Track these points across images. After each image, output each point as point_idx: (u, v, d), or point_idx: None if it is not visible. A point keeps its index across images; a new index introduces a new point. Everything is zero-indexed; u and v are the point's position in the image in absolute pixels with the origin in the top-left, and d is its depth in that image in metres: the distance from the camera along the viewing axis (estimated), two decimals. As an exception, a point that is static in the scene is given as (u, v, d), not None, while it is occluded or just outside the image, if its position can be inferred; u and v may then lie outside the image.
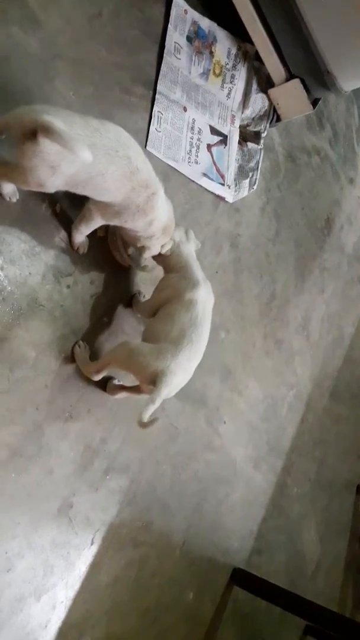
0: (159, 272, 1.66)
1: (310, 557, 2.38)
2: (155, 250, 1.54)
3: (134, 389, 1.56)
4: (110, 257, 1.61)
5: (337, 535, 2.55)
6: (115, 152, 1.29)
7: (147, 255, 1.54)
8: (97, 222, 1.47)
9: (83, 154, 1.15)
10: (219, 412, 1.96)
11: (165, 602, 1.76)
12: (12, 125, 1.19)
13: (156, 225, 1.48)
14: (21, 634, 1.42)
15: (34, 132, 1.15)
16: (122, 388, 1.58)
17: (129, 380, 1.55)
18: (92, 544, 1.57)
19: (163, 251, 1.56)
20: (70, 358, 1.51)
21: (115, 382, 1.60)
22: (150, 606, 1.72)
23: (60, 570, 1.50)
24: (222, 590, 1.96)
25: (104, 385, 1.58)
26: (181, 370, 1.41)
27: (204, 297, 1.54)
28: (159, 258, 1.61)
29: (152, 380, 1.38)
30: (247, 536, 2.08)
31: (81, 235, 1.50)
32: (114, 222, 1.47)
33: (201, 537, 1.89)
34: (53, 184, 1.26)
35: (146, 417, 1.32)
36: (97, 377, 1.52)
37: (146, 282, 1.71)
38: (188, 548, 1.84)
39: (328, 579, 2.46)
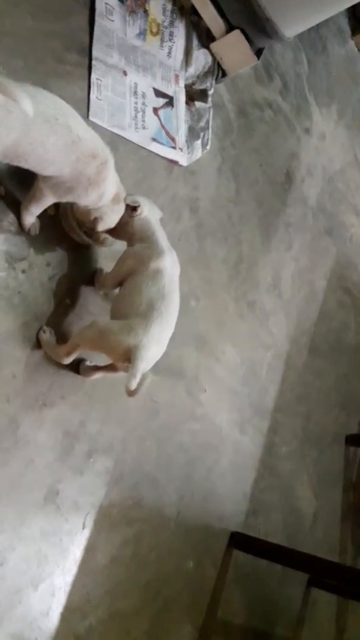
0: (119, 246, 1.61)
1: (306, 511, 2.41)
2: (109, 222, 1.49)
3: (109, 368, 1.52)
4: (64, 236, 1.55)
5: (330, 487, 2.59)
6: (55, 120, 1.23)
7: (101, 227, 1.49)
8: (48, 201, 1.41)
9: (26, 104, 1.10)
10: (199, 382, 1.94)
11: (166, 575, 1.77)
12: None
13: (107, 197, 1.43)
14: (23, 624, 1.41)
15: None
16: (96, 369, 1.55)
17: (102, 359, 1.51)
18: (84, 527, 1.55)
19: (133, 217, 1.51)
20: (37, 345, 1.46)
21: (88, 363, 1.56)
22: (151, 580, 1.72)
23: (54, 558, 1.48)
24: (221, 556, 1.97)
25: (76, 368, 1.54)
26: (154, 344, 1.38)
27: (170, 266, 1.50)
28: (120, 231, 1.55)
29: (126, 358, 1.34)
30: (240, 499, 2.09)
31: (31, 216, 1.44)
32: (66, 199, 1.41)
33: (195, 507, 1.89)
34: None
35: (133, 385, 1.29)
36: (68, 361, 1.48)
37: (107, 258, 1.66)
38: (182, 519, 1.84)
39: (326, 531, 2.50)
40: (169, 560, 1.79)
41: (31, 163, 1.28)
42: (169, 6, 1.97)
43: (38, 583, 1.44)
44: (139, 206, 1.51)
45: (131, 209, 1.51)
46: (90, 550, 1.56)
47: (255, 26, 2.01)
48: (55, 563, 1.48)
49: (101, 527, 1.58)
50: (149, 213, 1.55)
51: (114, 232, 1.55)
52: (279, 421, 2.27)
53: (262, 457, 2.17)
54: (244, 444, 2.11)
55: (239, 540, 2.01)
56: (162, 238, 1.54)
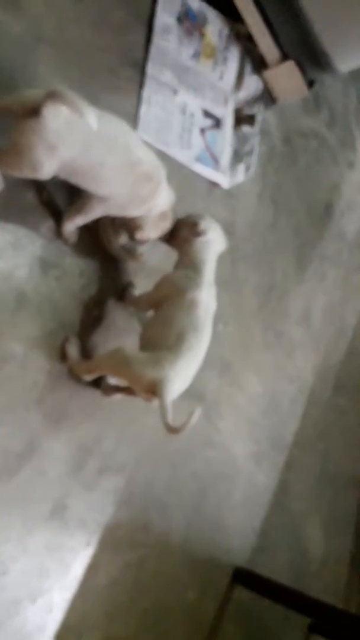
0: (153, 263, 1.60)
1: (315, 553, 2.33)
2: (148, 234, 1.47)
3: (130, 390, 1.47)
4: (100, 248, 1.55)
5: (342, 531, 2.50)
6: (115, 140, 1.24)
7: (139, 236, 1.47)
8: (96, 214, 1.41)
9: (91, 119, 1.11)
10: (218, 408, 1.90)
11: (166, 603, 1.72)
12: (11, 104, 1.15)
13: (154, 211, 1.42)
14: (18, 637, 1.38)
15: (35, 110, 1.11)
16: (117, 389, 1.51)
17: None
18: (88, 545, 1.51)
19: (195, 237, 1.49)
20: (61, 354, 1.45)
21: (110, 382, 1.53)
22: (150, 607, 1.67)
23: (56, 573, 1.45)
24: (224, 590, 1.91)
25: (98, 382, 1.52)
26: (179, 378, 1.33)
27: (207, 301, 1.44)
28: (179, 244, 1.52)
29: (149, 390, 1.30)
30: (249, 534, 2.03)
31: (74, 226, 1.43)
32: (114, 214, 1.41)
33: (202, 536, 1.84)
34: (49, 168, 1.19)
35: (169, 419, 1.25)
36: (89, 378, 1.46)
37: (139, 275, 1.65)
38: (188, 548, 1.79)
39: (333, 576, 2.41)
40: (171, 589, 1.73)
41: (87, 181, 1.28)
42: (225, 31, 1.98)
43: (37, 597, 1.41)
44: (201, 229, 1.48)
45: (195, 230, 1.49)
46: (92, 569, 1.52)
47: (310, 58, 2.01)
48: (56, 578, 1.45)
49: (105, 547, 1.54)
50: (213, 241, 1.52)
51: (173, 241, 1.54)
52: (296, 457, 2.21)
53: (275, 493, 2.11)
54: (258, 477, 2.06)
55: (243, 576, 1.94)
56: (209, 271, 1.48)
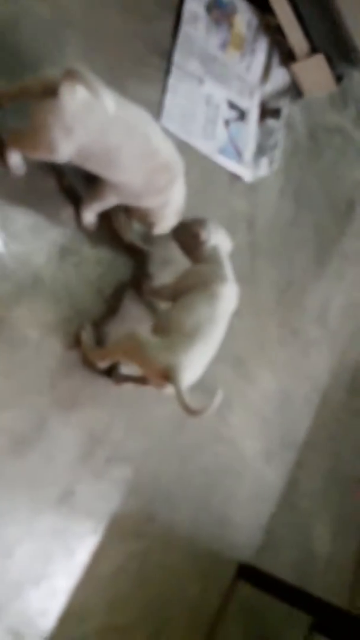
0: (170, 253, 1.59)
1: (320, 554, 2.31)
2: (166, 228, 1.47)
3: (142, 380, 1.48)
4: (119, 237, 1.54)
5: (349, 532, 2.48)
6: (134, 128, 1.23)
7: (157, 231, 1.48)
8: (111, 202, 1.40)
9: (107, 102, 1.10)
10: (230, 403, 1.89)
11: (169, 595, 1.72)
12: (31, 85, 1.15)
13: (172, 206, 1.42)
14: (20, 620, 1.39)
15: (53, 91, 1.10)
16: (128, 378, 1.51)
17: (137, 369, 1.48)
18: (94, 533, 1.52)
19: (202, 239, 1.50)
20: (75, 341, 1.45)
21: (121, 371, 1.53)
22: (152, 598, 1.67)
23: (60, 558, 1.46)
24: (227, 585, 1.90)
25: (110, 372, 1.51)
26: (193, 366, 1.33)
27: (229, 296, 1.45)
28: (191, 250, 1.53)
29: (161, 375, 1.30)
30: (255, 531, 2.02)
31: (92, 213, 1.43)
32: (129, 202, 1.41)
33: (208, 531, 1.84)
34: (65, 150, 1.18)
35: (187, 401, 1.25)
36: (103, 365, 1.46)
37: (157, 265, 1.64)
38: (194, 541, 1.78)
39: (338, 576, 2.39)
40: (174, 581, 1.73)
41: (103, 167, 1.27)
42: (255, 22, 1.95)
43: (40, 581, 1.42)
44: (201, 235, 1.49)
45: (199, 240, 1.49)
46: (97, 557, 1.53)
47: (340, 52, 1.97)
48: (60, 564, 1.46)
49: (111, 536, 1.55)
50: (219, 244, 1.52)
51: (185, 247, 1.54)
52: (306, 456, 2.19)
53: (283, 491, 2.09)
54: (267, 474, 2.04)
55: (248, 572, 1.93)
56: (228, 268, 1.49)
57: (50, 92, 1.11)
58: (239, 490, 1.94)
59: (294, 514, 2.17)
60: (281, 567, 2.08)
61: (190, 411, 1.25)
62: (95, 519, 1.52)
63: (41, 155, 1.22)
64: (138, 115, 1.26)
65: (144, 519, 1.63)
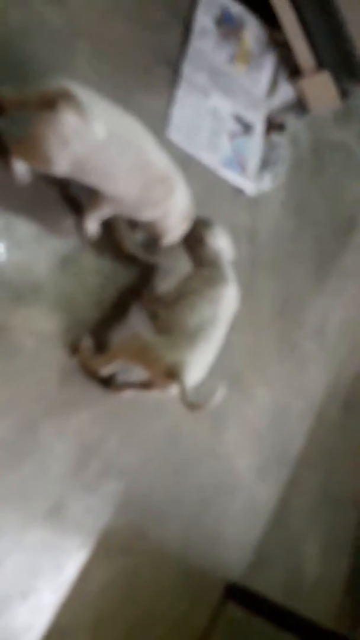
0: (167, 265, 1.58)
1: (310, 573, 2.29)
2: (173, 239, 1.47)
3: (142, 385, 1.47)
4: (120, 248, 1.53)
5: (339, 552, 2.46)
6: (128, 143, 1.24)
7: (166, 242, 1.48)
8: (109, 213, 1.40)
9: (97, 128, 1.12)
10: (225, 417, 1.87)
11: (156, 613, 1.69)
12: (31, 96, 1.16)
13: (175, 217, 1.42)
14: (4, 635, 1.36)
15: (51, 103, 1.12)
16: (128, 385, 1.49)
17: (136, 375, 1.47)
18: (83, 547, 1.49)
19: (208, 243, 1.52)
20: (73, 350, 1.43)
21: (120, 379, 1.51)
22: (139, 616, 1.64)
23: (48, 573, 1.42)
24: (216, 604, 1.87)
25: (106, 383, 1.49)
26: (196, 364, 1.34)
27: (231, 299, 1.47)
28: (195, 249, 1.54)
29: (168, 374, 1.30)
30: (246, 549, 1.99)
31: (93, 223, 1.43)
32: (126, 214, 1.41)
33: (198, 548, 1.81)
34: (60, 162, 1.19)
35: (187, 396, 1.26)
36: (105, 372, 1.44)
37: (157, 275, 1.63)
38: (183, 558, 1.76)
39: (326, 598, 2.36)
40: (162, 599, 1.70)
41: (98, 180, 1.27)
42: (263, 37, 1.95)
43: (27, 595, 1.39)
44: (205, 237, 1.51)
45: (200, 237, 1.51)
46: (85, 572, 1.50)
47: (346, 70, 1.98)
48: (48, 578, 1.43)
49: (100, 551, 1.52)
50: (222, 249, 1.53)
51: (189, 246, 1.54)
52: (299, 474, 2.17)
53: (275, 509, 2.07)
54: (260, 491, 2.02)
55: (236, 592, 1.91)
56: (230, 271, 1.52)
57: (49, 104, 1.12)
58: (231, 507, 1.92)
59: (284, 533, 2.15)
60: (270, 586, 2.06)
61: (192, 406, 1.26)
62: (85, 534, 1.49)
63: (38, 166, 1.23)
64: (132, 128, 1.27)
65: (134, 534, 1.60)
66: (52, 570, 1.43)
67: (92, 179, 1.27)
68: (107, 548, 1.53)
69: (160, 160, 1.33)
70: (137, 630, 1.63)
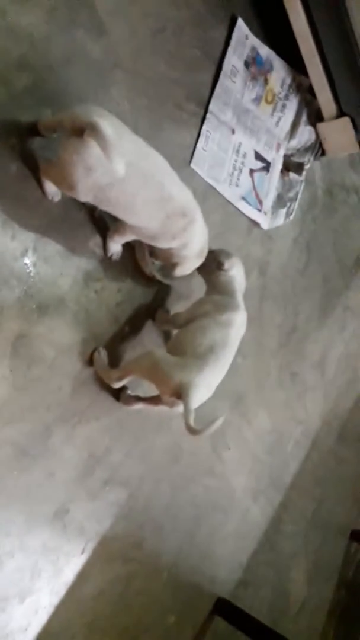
0: (183, 289, 1.65)
1: (296, 596, 2.33)
2: (187, 270, 1.54)
3: (151, 400, 1.54)
4: (140, 268, 1.61)
5: (325, 577, 2.50)
6: (151, 177, 1.29)
7: (179, 273, 1.54)
8: (129, 238, 1.48)
9: (117, 165, 1.14)
10: (225, 438, 1.94)
11: (146, 623, 1.73)
12: (64, 121, 1.20)
13: (191, 249, 1.48)
14: (0, 633, 1.40)
15: (82, 130, 1.16)
16: (138, 399, 1.56)
17: (146, 391, 1.54)
18: (82, 553, 1.54)
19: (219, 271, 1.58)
20: (88, 363, 1.50)
21: (130, 392, 1.58)
22: (130, 624, 1.68)
23: (47, 575, 1.47)
24: (203, 618, 1.92)
25: (117, 393, 1.57)
26: (204, 386, 1.40)
27: (240, 324, 1.54)
28: (205, 276, 1.61)
29: (175, 393, 1.36)
30: (235, 567, 2.04)
31: (115, 244, 1.51)
32: (147, 242, 1.48)
33: (190, 563, 1.86)
34: (84, 189, 1.24)
35: (191, 421, 1.30)
36: (117, 385, 1.51)
37: (173, 297, 1.70)
38: (176, 571, 1.81)
39: (310, 621, 2.40)
40: (153, 610, 1.75)
41: (119, 210, 1.33)
42: (289, 80, 2.06)
43: (25, 596, 1.44)
44: (224, 264, 1.57)
45: (218, 263, 1.57)
46: (82, 577, 1.55)
47: (365, 117, 2.08)
48: (46, 581, 1.47)
49: (98, 558, 1.57)
50: (235, 277, 1.60)
51: (201, 270, 1.61)
52: (291, 498, 2.23)
53: (266, 531, 2.13)
54: (253, 512, 2.08)
55: (224, 608, 1.95)
56: (241, 298, 1.59)
57: (79, 130, 1.17)
58: (224, 525, 1.97)
59: (274, 554, 2.20)
60: (257, 605, 2.10)
61: (192, 430, 1.30)
62: (85, 539, 1.54)
63: (63, 189, 1.29)
64: (155, 163, 1.32)
65: (131, 544, 1.66)
66: (51, 572, 1.48)
67: (113, 209, 1.33)
68: (105, 554, 1.59)
69: (181, 195, 1.38)
70: (127, 638, 1.67)
